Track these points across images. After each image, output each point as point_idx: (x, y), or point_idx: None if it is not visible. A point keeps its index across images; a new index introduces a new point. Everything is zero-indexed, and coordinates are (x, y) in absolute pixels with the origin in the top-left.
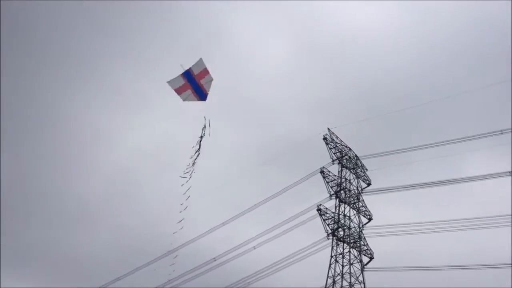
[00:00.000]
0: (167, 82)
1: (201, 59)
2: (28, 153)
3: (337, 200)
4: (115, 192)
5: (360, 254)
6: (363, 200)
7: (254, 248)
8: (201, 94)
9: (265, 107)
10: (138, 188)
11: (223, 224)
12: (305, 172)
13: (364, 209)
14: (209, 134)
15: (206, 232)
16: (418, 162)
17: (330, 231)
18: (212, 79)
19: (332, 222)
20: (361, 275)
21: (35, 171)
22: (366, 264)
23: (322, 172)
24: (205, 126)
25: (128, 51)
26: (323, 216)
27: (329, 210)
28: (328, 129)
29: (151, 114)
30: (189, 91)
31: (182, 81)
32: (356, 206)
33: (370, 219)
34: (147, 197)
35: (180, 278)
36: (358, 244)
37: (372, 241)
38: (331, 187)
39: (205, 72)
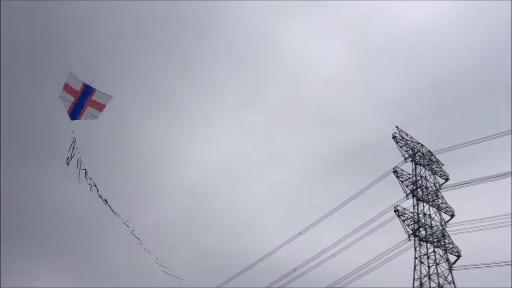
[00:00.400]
0: (68, 75)
1: (108, 95)
2: (101, 179)
3: (415, 199)
4: (189, 211)
5: (446, 253)
6: (442, 196)
7: (334, 256)
8: (75, 113)
9: (328, 111)
10: (211, 206)
11: (299, 234)
12: (377, 174)
13: (445, 205)
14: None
15: (284, 243)
16: (496, 152)
17: (411, 232)
18: (97, 117)
19: (412, 222)
20: (449, 275)
21: (110, 196)
22: (453, 263)
23: (395, 171)
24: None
25: (187, 70)
26: (401, 217)
27: (407, 210)
28: (397, 127)
29: (216, 132)
30: (71, 99)
31: (78, 86)
32: (435, 203)
33: (452, 216)
34: (221, 214)
35: None
36: (442, 243)
37: (457, 238)
38: (407, 186)
39: (100, 106)
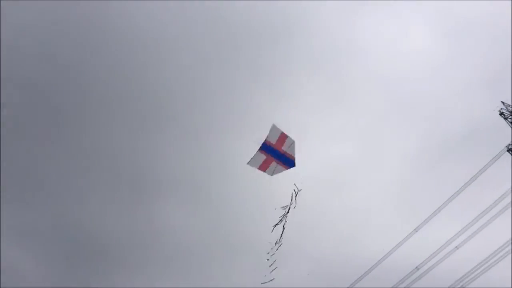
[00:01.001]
0: (247, 163)
1: (274, 125)
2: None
3: None
4: (297, 221)
5: None
6: None
7: (457, 248)
8: (288, 162)
9: (421, 101)
10: (320, 214)
11: (415, 230)
12: (488, 158)
13: None
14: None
15: (401, 242)
16: None
17: None
18: (293, 141)
19: None
20: None
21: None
22: None
23: (509, 150)
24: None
25: (272, 83)
26: None
27: None
28: (502, 102)
29: (308, 139)
30: (274, 164)
31: (263, 157)
32: None
33: None
34: (331, 221)
35: None
36: None
37: None
38: None
39: (283, 137)
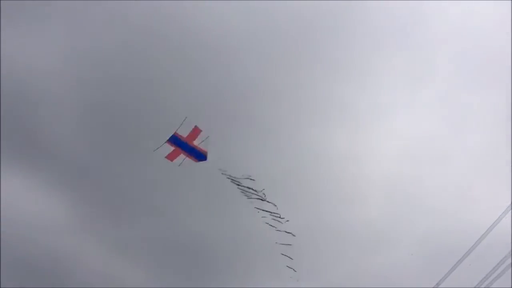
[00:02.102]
0: (154, 150)
1: (185, 118)
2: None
3: None
4: (393, 202)
5: None
6: None
7: None
8: (199, 155)
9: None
10: (416, 191)
11: None
12: None
13: None
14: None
15: (504, 212)
16: None
17: None
18: (207, 137)
19: None
20: None
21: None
22: None
23: None
24: None
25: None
26: None
27: None
28: None
29: (390, 118)
30: (182, 156)
31: (170, 148)
32: None
33: None
34: (428, 197)
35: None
36: None
37: None
38: None
39: (196, 131)
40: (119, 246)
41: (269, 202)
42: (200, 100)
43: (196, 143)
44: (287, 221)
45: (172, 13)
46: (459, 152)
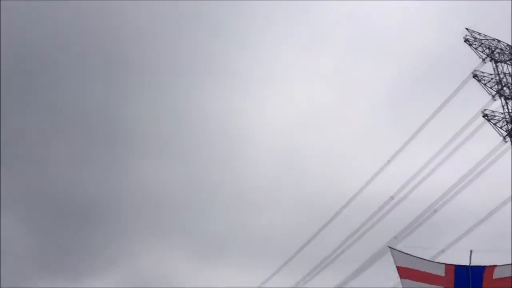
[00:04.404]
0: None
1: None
2: None
3: (503, 98)
4: (281, 166)
5: None
6: None
7: (428, 175)
8: None
9: (388, 37)
10: (303, 157)
11: (388, 161)
12: (456, 84)
13: None
14: None
15: (375, 175)
16: None
17: (505, 133)
18: None
19: (505, 123)
20: None
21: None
22: None
23: (475, 76)
24: None
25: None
26: (492, 121)
27: (497, 112)
28: (467, 29)
29: (283, 85)
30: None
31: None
32: None
33: None
34: (313, 163)
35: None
36: None
37: None
38: (490, 88)
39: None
40: None
41: None
42: None
43: None
44: None
45: None
46: (346, 122)
